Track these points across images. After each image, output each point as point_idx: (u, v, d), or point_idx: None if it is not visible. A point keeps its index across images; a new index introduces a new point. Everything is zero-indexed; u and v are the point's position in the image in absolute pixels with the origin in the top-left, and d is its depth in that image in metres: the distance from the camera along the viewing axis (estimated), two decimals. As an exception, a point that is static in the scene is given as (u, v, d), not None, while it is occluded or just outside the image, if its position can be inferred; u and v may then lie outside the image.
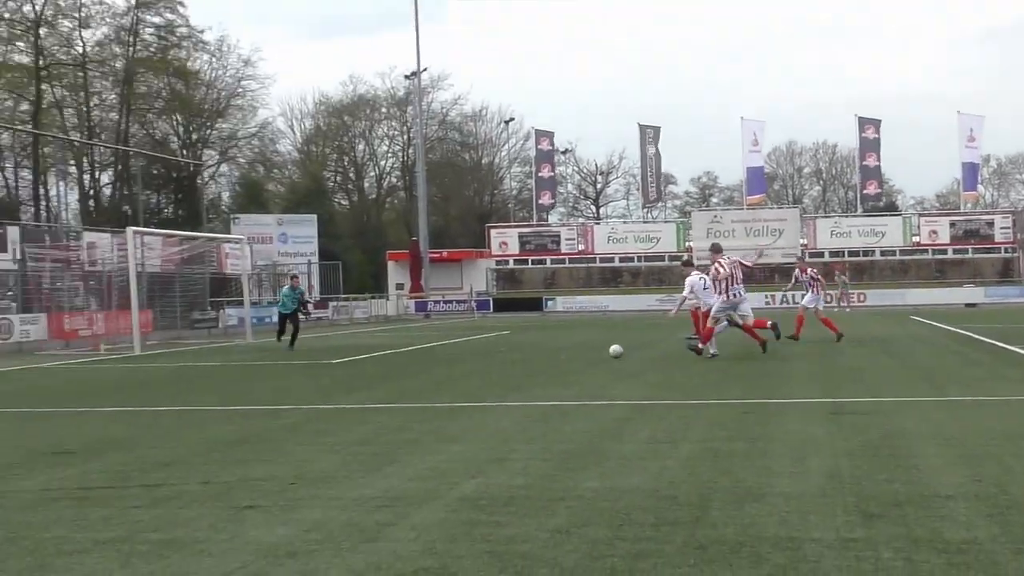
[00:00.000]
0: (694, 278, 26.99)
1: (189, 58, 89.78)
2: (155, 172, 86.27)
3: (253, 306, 50.89)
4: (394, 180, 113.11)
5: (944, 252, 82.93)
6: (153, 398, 19.32)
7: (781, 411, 14.61)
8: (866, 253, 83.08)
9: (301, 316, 34.61)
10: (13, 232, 46.61)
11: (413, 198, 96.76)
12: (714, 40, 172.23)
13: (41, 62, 79.75)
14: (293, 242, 76.45)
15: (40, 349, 39.35)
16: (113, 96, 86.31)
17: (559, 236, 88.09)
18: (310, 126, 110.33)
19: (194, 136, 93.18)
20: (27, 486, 10.04)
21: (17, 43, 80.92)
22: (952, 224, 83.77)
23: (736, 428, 12.90)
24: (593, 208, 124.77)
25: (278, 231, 76.50)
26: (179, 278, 50.85)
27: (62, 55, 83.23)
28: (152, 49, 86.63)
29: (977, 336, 32.29)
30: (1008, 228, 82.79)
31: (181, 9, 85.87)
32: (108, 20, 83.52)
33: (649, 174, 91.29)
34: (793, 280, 33.54)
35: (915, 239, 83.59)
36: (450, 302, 78.86)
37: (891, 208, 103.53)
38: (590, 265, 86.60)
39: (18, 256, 45.02)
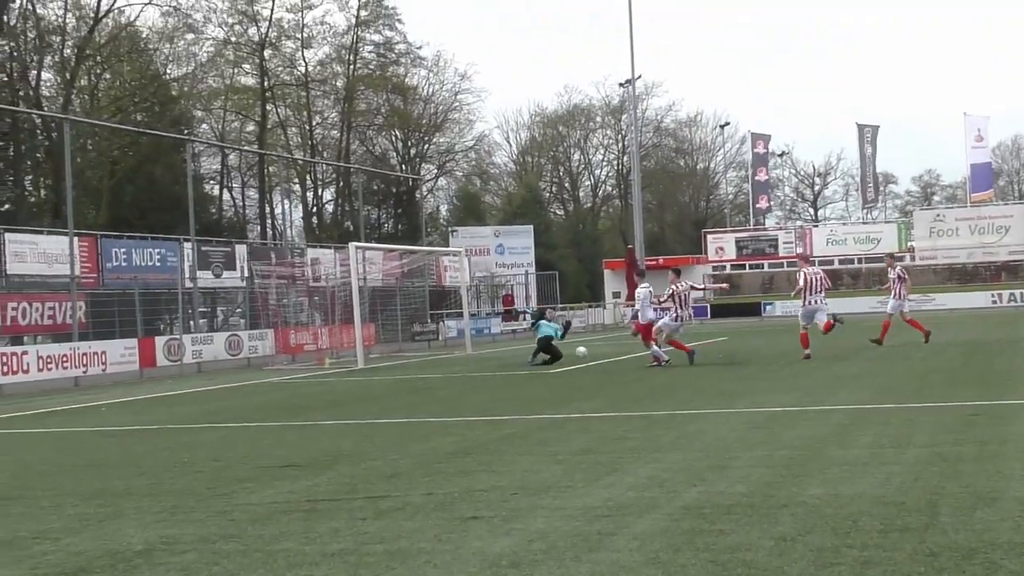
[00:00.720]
0: (642, 291, 29.29)
1: (407, 74, 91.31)
2: (375, 187, 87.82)
3: (472, 318, 51.41)
4: (609, 188, 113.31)
5: None
6: (376, 411, 19.66)
7: (1013, 414, 14.20)
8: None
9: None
10: (241, 250, 47.89)
11: (628, 206, 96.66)
12: (931, 36, 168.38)
13: (266, 83, 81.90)
14: (510, 253, 76.94)
15: (267, 364, 40.37)
16: (334, 114, 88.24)
17: (776, 240, 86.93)
18: (526, 137, 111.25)
19: (412, 151, 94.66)
20: (257, 499, 10.31)
21: (243, 66, 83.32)
22: None
23: (964, 432, 12.59)
24: (811, 210, 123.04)
25: (495, 243, 77.09)
26: (400, 291, 51.69)
27: (286, 76, 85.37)
28: (371, 67, 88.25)
29: None
30: None
31: (400, 26, 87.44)
32: (329, 40, 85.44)
33: (868, 174, 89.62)
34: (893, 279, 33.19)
35: None
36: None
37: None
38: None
39: (246, 273, 46.26)
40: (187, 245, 43.68)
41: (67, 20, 66.47)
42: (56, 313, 38.01)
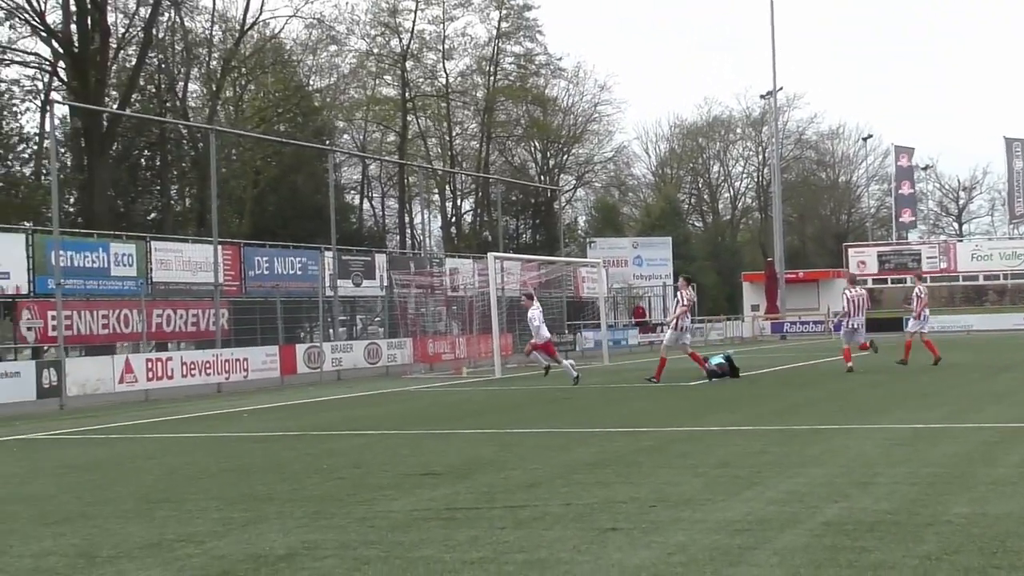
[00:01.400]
0: (534, 312, 31.53)
1: (547, 85, 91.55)
2: (514, 198, 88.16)
3: (609, 329, 51.31)
4: (749, 201, 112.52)
5: None
6: (514, 420, 19.73)
7: None
8: None
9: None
10: (380, 259, 48.33)
11: (768, 218, 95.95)
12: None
13: (407, 94, 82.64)
14: (648, 265, 76.73)
15: (406, 373, 40.67)
16: (474, 125, 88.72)
17: (920, 254, 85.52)
18: (665, 149, 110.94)
19: (551, 162, 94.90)
20: (397, 507, 10.38)
21: (385, 77, 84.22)
22: None
23: (1119, 452, 12.29)
24: (955, 225, 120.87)
25: (633, 254, 76.92)
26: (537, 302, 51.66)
27: (427, 87, 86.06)
28: (512, 78, 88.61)
29: None
30: None
31: (540, 38, 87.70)
32: (470, 51, 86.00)
33: (1016, 188, 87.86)
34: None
35: None
36: (807, 323, 77.66)
37: None
38: (953, 284, 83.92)
39: (385, 283, 46.66)
40: (328, 254, 44.20)
41: (213, 33, 67.70)
42: (200, 320, 38.70)
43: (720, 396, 23.76)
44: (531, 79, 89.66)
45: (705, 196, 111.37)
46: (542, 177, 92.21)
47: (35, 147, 54.58)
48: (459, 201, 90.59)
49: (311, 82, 78.08)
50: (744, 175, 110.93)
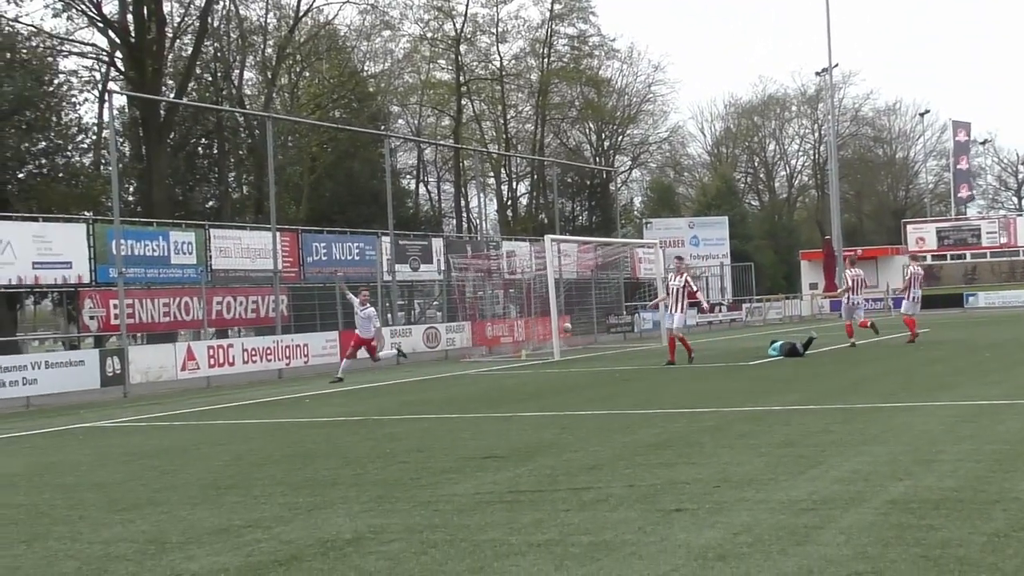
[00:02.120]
0: (371, 309, 31.72)
1: (601, 66, 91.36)
2: (569, 180, 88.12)
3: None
4: (805, 179, 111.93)
5: None
6: (575, 402, 19.76)
7: None
8: None
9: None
10: (437, 243, 48.47)
11: (825, 196, 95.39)
12: None
13: (461, 78, 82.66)
14: (704, 244, 76.58)
15: (464, 356, 40.79)
16: (528, 107, 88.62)
17: (979, 230, 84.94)
18: (720, 128, 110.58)
19: (606, 143, 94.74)
20: (460, 490, 10.44)
21: (439, 61, 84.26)
22: None
23: None
24: (1015, 199, 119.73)
25: (689, 234, 76.77)
26: (595, 283, 51.76)
27: (481, 70, 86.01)
28: (565, 60, 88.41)
29: None
30: None
31: (593, 19, 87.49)
32: (523, 34, 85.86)
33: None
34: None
35: None
36: (866, 300, 77.18)
37: None
38: (1013, 259, 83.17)
39: (442, 267, 46.79)
40: (385, 239, 44.36)
41: (268, 20, 67.97)
42: (259, 307, 38.98)
43: (780, 375, 23.67)
44: (585, 60, 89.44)
45: (761, 175, 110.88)
46: (597, 158, 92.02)
47: (94, 137, 54.97)
48: (515, 184, 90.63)
49: (365, 67, 78.27)
50: (800, 153, 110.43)
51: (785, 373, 24.16)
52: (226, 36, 65.63)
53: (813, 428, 13.68)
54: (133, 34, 53.16)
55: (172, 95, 57.10)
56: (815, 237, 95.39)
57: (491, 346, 43.27)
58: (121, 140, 57.20)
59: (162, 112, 54.13)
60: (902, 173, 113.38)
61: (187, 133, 63.91)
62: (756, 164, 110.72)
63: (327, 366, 36.59)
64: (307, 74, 72.08)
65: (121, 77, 56.96)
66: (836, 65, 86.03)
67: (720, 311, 64.45)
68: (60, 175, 49.38)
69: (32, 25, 53.28)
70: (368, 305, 31.78)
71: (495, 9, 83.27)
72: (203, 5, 58.63)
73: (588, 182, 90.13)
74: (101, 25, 55.64)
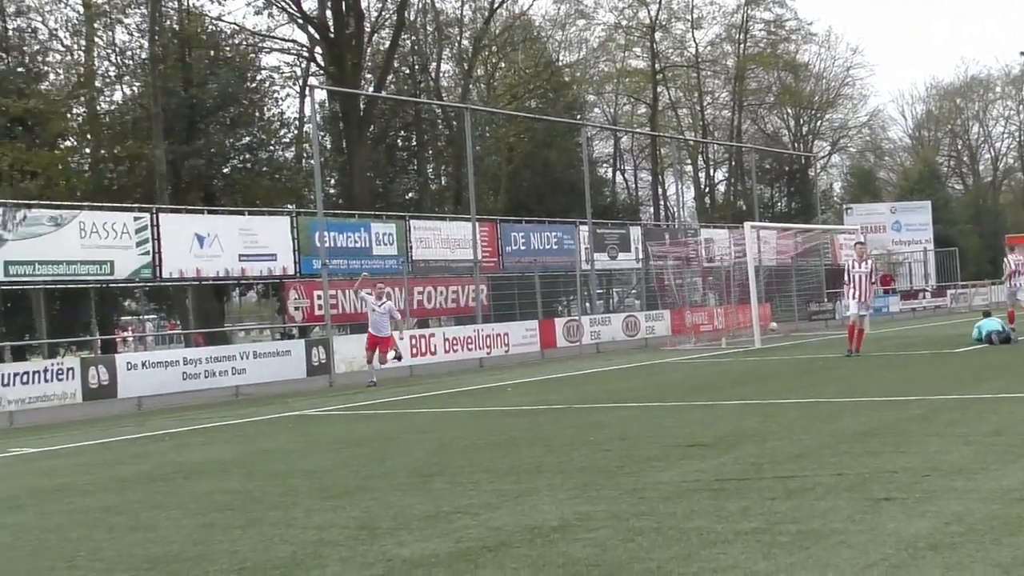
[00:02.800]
0: (388, 303, 30.10)
1: (798, 51, 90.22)
2: (767, 166, 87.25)
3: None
4: (1011, 161, 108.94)
5: None
6: (777, 390, 19.59)
7: None
8: None
9: None
10: (635, 232, 48.44)
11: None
12: None
13: (657, 65, 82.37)
14: (907, 230, 75.12)
15: (663, 345, 40.69)
16: (725, 94, 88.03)
17: None
18: (921, 111, 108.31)
19: (804, 128, 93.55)
20: (666, 478, 10.43)
21: (634, 49, 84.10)
22: None
23: None
24: None
25: (891, 219, 75.37)
26: (794, 270, 51.21)
27: (676, 57, 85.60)
28: (762, 45, 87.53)
29: None
30: None
31: (789, 3, 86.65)
32: (719, 19, 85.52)
33: None
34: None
35: None
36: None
37: None
38: None
39: (640, 255, 46.74)
40: (583, 228, 44.49)
41: (463, 13, 68.64)
42: (459, 296, 39.43)
43: (987, 363, 23.13)
44: (782, 45, 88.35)
45: (964, 158, 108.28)
46: (796, 144, 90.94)
47: (296, 132, 56.20)
48: (712, 171, 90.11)
49: (560, 57, 78.53)
50: (1005, 135, 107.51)
51: (992, 360, 23.60)
52: (423, 29, 66.47)
53: (1023, 416, 13.35)
54: (332, 30, 54.15)
55: (371, 89, 58.07)
56: (1022, 221, 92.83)
57: (691, 334, 43.08)
58: (322, 134, 58.29)
59: (362, 106, 55.06)
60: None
61: (386, 126, 64.93)
62: (959, 147, 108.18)
63: (527, 355, 36.91)
64: (503, 65, 72.61)
65: (321, 72, 58.07)
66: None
67: (924, 297, 63.33)
68: (264, 169, 50.65)
69: (235, 23, 54.76)
70: (384, 299, 30.47)
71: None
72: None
73: (786, 168, 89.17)
74: (301, 22, 56.85)
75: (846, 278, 28.38)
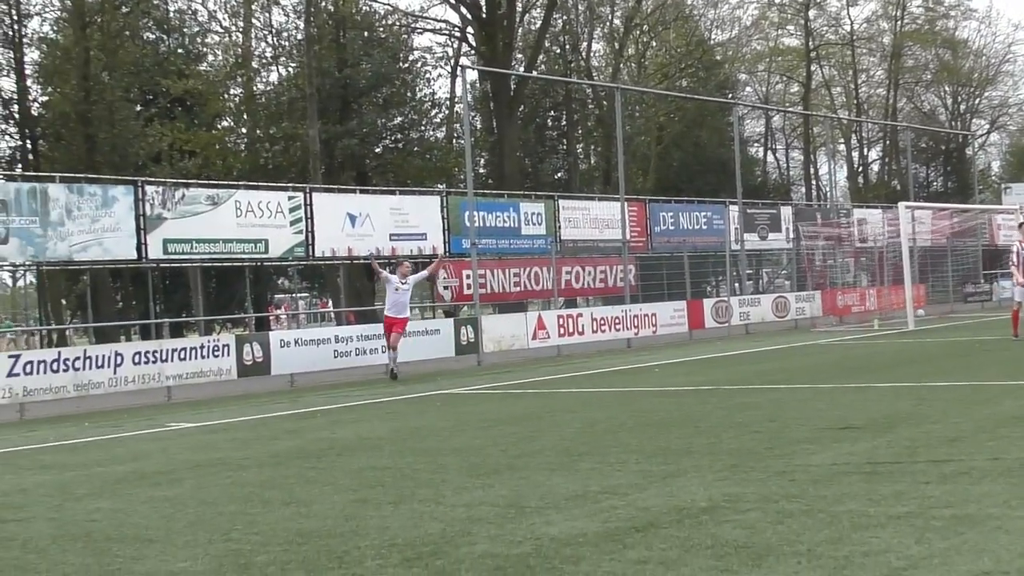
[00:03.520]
0: (412, 278, 27.28)
1: (957, 27, 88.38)
2: (923, 145, 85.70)
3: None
4: None
5: None
6: (931, 373, 19.22)
7: None
8: None
9: None
10: (786, 211, 47.90)
11: None
12: None
13: (810, 44, 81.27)
14: (1068, 210, 73.26)
15: (814, 326, 40.24)
16: (880, 72, 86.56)
17: None
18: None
19: (962, 106, 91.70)
20: (816, 460, 10.29)
21: (787, 27, 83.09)
22: None
23: None
24: None
25: (1052, 199, 73.58)
26: (950, 251, 50.30)
27: (831, 35, 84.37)
28: (919, 22, 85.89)
29: None
30: None
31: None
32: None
33: None
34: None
35: None
36: None
37: None
38: None
39: (791, 235, 46.24)
40: (733, 208, 44.11)
41: (615, -9, 68.39)
42: (607, 276, 39.33)
43: None
44: (940, 22, 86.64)
45: None
46: (953, 123, 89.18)
47: (447, 112, 56.51)
48: (865, 150, 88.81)
49: (712, 36, 77.87)
50: None
51: None
52: (574, 8, 66.32)
53: None
54: (484, 10, 54.27)
55: (522, 68, 58.17)
56: None
57: (842, 315, 42.54)
58: (473, 114, 58.52)
59: (512, 85, 55.13)
60: None
61: (537, 105, 65.02)
62: None
63: (676, 336, 36.73)
64: (654, 44, 72.20)
65: (473, 52, 58.30)
66: None
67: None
68: (415, 149, 51.03)
69: (388, 4, 55.14)
70: (409, 281, 26.93)
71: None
72: (552, -22, 59.42)
73: (943, 147, 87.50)
74: (453, 2, 57.05)
75: (1015, 260, 26.91)
